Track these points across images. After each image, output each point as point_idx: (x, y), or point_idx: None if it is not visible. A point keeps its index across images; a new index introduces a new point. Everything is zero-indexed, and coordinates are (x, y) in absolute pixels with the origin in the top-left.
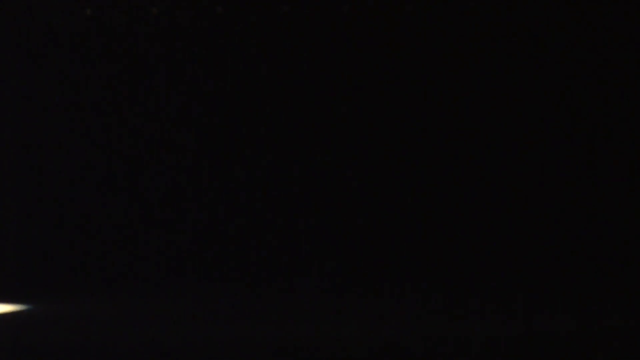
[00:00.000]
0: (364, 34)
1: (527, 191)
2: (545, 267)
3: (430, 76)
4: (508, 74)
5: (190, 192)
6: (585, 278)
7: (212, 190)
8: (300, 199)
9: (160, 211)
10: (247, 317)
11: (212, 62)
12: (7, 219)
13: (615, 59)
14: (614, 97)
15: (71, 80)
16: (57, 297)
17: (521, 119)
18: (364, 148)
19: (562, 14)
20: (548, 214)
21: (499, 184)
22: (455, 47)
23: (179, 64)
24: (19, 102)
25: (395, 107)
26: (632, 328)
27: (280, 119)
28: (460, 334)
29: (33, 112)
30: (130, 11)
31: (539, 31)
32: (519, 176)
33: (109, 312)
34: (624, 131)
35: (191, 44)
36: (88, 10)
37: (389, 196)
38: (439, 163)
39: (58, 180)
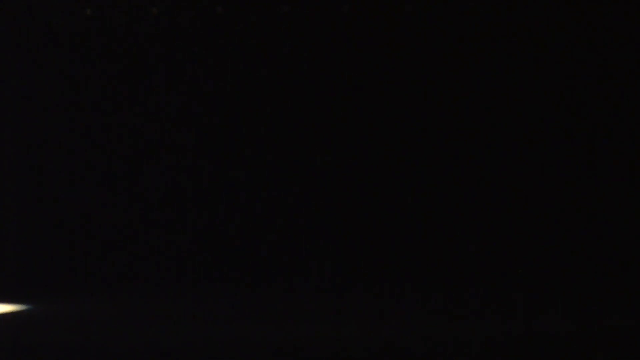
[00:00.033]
0: (364, 34)
1: (527, 191)
2: (545, 267)
3: (430, 76)
4: (508, 74)
5: (190, 192)
6: (585, 278)
7: (212, 190)
8: (300, 199)
9: (160, 211)
10: (247, 317)
11: (212, 62)
12: (7, 219)
13: (615, 59)
14: (614, 97)
15: (71, 80)
16: (57, 297)
17: (521, 119)
18: (364, 148)
19: (562, 14)
20: (548, 214)
21: (499, 184)
22: (455, 47)
23: (179, 64)
24: (19, 102)
25: (395, 107)
26: (632, 328)
27: (280, 119)
28: (460, 334)
29: (33, 112)
30: (130, 11)
31: (539, 31)
32: (519, 176)
33: (109, 312)
34: (624, 131)
35: (191, 44)
36: (88, 10)
37: (388, 196)
38: (439, 163)
39: (58, 180)
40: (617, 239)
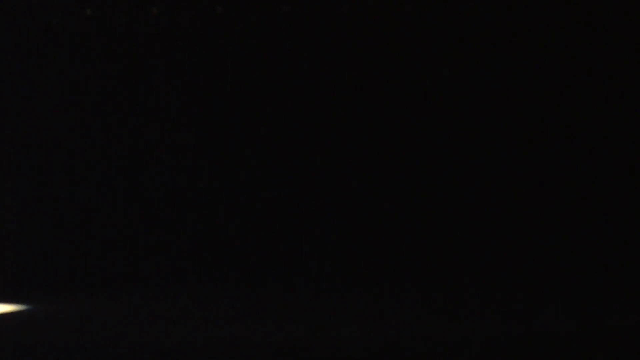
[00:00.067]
0: (364, 34)
1: (527, 191)
2: (545, 267)
3: (430, 76)
4: (508, 74)
5: (190, 192)
6: (585, 278)
7: (212, 190)
8: (300, 199)
9: (160, 211)
10: (247, 317)
11: (212, 62)
12: (7, 219)
13: (616, 59)
14: (614, 97)
15: (71, 80)
16: (57, 297)
17: (521, 119)
18: (364, 148)
19: (562, 14)
20: (548, 214)
21: (499, 184)
22: (455, 47)
23: (179, 64)
24: (19, 102)
25: (395, 107)
26: (632, 328)
27: (280, 118)
28: (460, 334)
29: (33, 112)
30: (130, 11)
31: (539, 31)
32: (519, 176)
33: (109, 312)
34: (624, 131)
35: (191, 44)
36: (88, 10)
37: (388, 196)
38: (439, 163)
39: (58, 180)
40: (617, 239)
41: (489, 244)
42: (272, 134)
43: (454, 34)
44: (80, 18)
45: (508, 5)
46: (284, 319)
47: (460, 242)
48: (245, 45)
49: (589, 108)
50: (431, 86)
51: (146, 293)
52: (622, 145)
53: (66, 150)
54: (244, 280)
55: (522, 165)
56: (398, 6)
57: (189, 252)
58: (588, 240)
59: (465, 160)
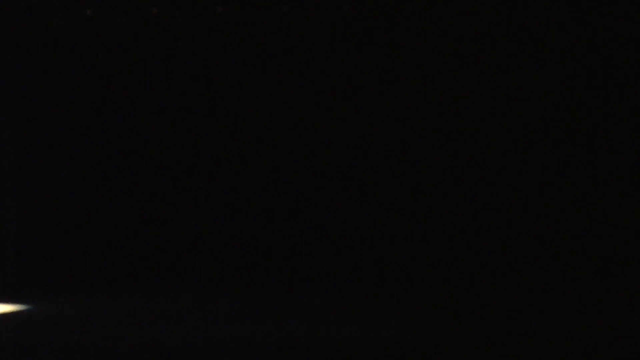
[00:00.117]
0: (364, 34)
1: (527, 191)
2: (545, 267)
3: (430, 76)
4: (508, 74)
5: (190, 193)
6: (585, 278)
7: (212, 190)
8: (300, 199)
9: (160, 211)
10: (247, 317)
11: (212, 62)
12: (7, 219)
13: (615, 59)
14: (614, 97)
15: (71, 80)
16: (57, 297)
17: (521, 119)
18: (364, 148)
19: (562, 14)
20: (548, 213)
21: (499, 184)
22: (455, 47)
23: (179, 64)
24: (19, 102)
25: (395, 106)
26: (632, 328)
27: (280, 118)
28: (460, 334)
29: (33, 112)
30: (130, 11)
31: (539, 31)
32: (519, 176)
33: (109, 312)
34: (624, 131)
35: (191, 44)
36: (88, 10)
37: (388, 196)
38: (439, 163)
39: (58, 180)
40: (617, 239)
41: (489, 244)
42: (272, 134)
43: (454, 34)
44: (80, 18)
45: (508, 5)
46: (284, 319)
47: (460, 242)
48: (245, 45)
49: (589, 108)
50: (431, 86)
51: (146, 293)
52: (622, 145)
53: (66, 150)
54: (244, 280)
55: (522, 165)
56: (398, 6)
57: (189, 252)
58: (588, 240)
59: (465, 160)
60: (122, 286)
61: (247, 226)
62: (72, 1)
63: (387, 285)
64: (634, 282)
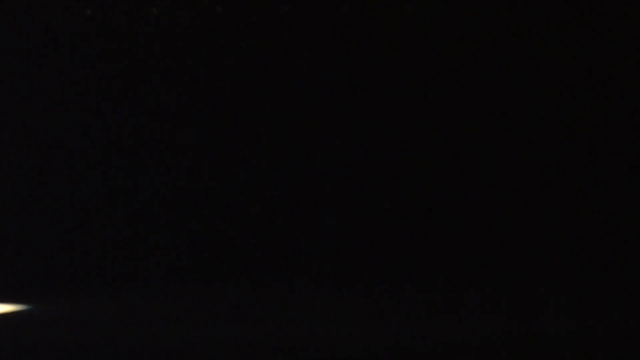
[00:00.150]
0: (364, 34)
1: (527, 191)
2: (545, 267)
3: (430, 76)
4: (508, 74)
5: (190, 193)
6: (585, 278)
7: (212, 190)
8: (300, 199)
9: (160, 211)
10: (247, 317)
11: (212, 62)
12: (7, 219)
13: (616, 59)
14: (614, 97)
15: (71, 80)
16: (57, 297)
17: (521, 119)
18: (364, 148)
19: (562, 14)
20: (548, 213)
21: (499, 184)
22: (455, 47)
23: (179, 64)
24: (19, 102)
25: (395, 106)
26: (632, 328)
27: (280, 118)
28: (460, 334)
29: (33, 112)
30: (130, 11)
31: (539, 31)
32: (519, 176)
33: (109, 312)
34: (624, 131)
35: (191, 44)
36: (88, 10)
37: (388, 196)
38: (439, 162)
39: (58, 180)
40: (617, 239)
41: (489, 244)
42: (272, 134)
43: (454, 34)
44: (80, 18)
45: (508, 5)
46: (284, 319)
47: (460, 242)
48: (245, 45)
49: (589, 108)
50: (431, 86)
51: (146, 293)
52: (622, 145)
53: (66, 150)
54: (244, 280)
55: (521, 165)
56: (398, 6)
57: (189, 252)
58: (588, 240)
59: (465, 160)
60: (122, 286)
61: (247, 226)
62: (72, 1)
63: (387, 285)
64: (634, 282)
